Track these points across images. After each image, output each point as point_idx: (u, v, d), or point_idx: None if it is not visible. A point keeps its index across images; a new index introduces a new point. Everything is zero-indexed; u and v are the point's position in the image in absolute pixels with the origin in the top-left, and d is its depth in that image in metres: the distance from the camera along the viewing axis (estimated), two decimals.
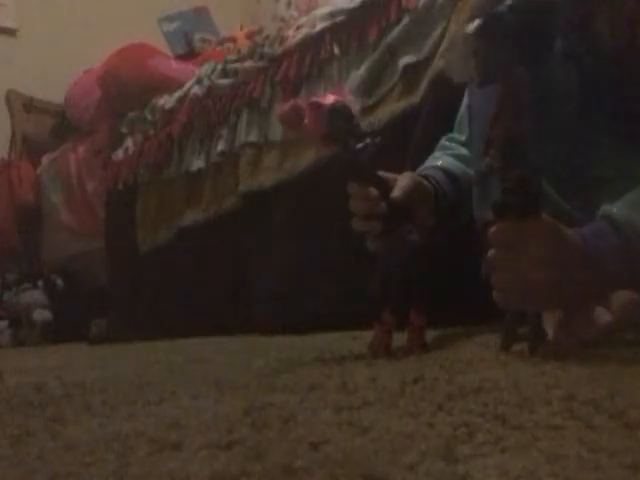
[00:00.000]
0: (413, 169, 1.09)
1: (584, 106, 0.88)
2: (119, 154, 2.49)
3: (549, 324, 0.80)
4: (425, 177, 1.03)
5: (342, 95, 0.87)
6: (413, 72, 1.55)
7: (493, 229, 0.74)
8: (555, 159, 0.90)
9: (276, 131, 1.88)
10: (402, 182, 0.94)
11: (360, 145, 0.87)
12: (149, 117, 2.42)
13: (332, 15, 1.80)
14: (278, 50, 1.94)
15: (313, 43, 1.83)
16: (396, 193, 0.91)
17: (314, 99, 0.87)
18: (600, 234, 0.75)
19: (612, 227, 0.74)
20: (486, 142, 0.78)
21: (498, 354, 0.78)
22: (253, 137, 1.95)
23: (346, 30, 1.76)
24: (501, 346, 0.80)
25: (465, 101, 1.10)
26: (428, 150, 1.20)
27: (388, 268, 0.93)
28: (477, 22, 0.72)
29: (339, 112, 0.85)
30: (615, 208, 0.76)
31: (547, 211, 0.75)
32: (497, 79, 0.75)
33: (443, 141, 1.19)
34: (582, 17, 0.89)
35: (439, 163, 1.10)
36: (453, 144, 1.16)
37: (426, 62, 1.51)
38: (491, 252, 0.75)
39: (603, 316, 0.77)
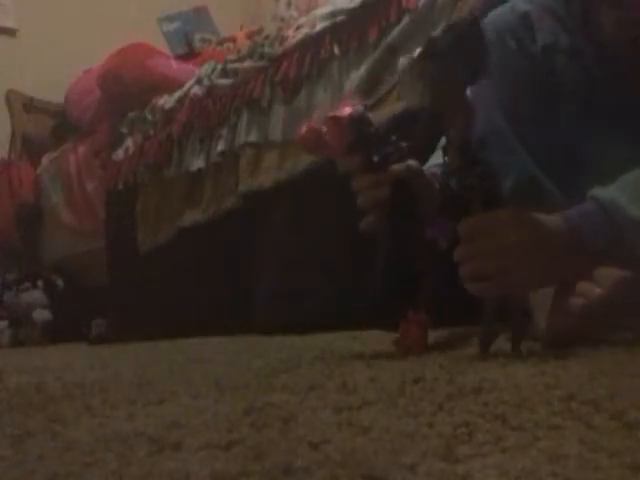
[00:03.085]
0: None
1: (588, 102, 0.88)
2: (119, 154, 2.49)
3: (540, 315, 0.81)
4: (432, 174, 1.02)
5: (353, 104, 0.88)
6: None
7: (460, 224, 0.77)
8: (558, 156, 0.90)
9: (276, 131, 1.88)
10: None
11: (389, 150, 0.88)
12: (149, 117, 2.42)
13: (332, 15, 1.80)
14: (278, 50, 1.94)
15: (313, 43, 1.83)
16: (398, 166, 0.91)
17: (330, 114, 0.88)
18: (585, 214, 0.77)
19: (598, 207, 0.76)
20: (444, 145, 0.82)
21: (482, 353, 0.78)
22: (253, 137, 1.95)
23: (346, 30, 1.76)
24: (480, 346, 0.79)
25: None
26: (429, 150, 1.20)
27: (420, 270, 0.93)
28: (420, 47, 0.77)
29: (359, 120, 0.87)
30: (603, 190, 0.77)
31: (548, 206, 0.77)
32: (443, 96, 0.79)
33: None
34: (587, 15, 0.89)
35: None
36: None
37: None
38: (459, 247, 0.77)
39: (593, 290, 0.78)
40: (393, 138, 0.90)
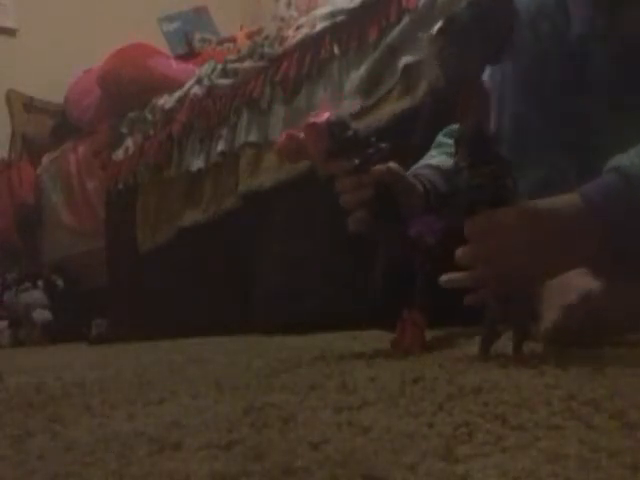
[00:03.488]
0: None
1: (611, 91, 0.86)
2: (119, 154, 2.50)
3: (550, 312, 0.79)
4: (416, 176, 1.01)
5: (330, 109, 0.89)
6: (413, 72, 1.56)
7: (466, 224, 0.73)
8: (574, 146, 0.88)
9: (276, 131, 1.88)
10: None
11: (369, 152, 0.87)
12: (149, 117, 2.42)
13: (332, 15, 1.80)
14: (278, 50, 1.94)
15: (313, 43, 1.83)
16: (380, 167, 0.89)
17: (309, 120, 0.88)
18: (604, 186, 0.72)
19: (619, 177, 0.71)
20: (455, 141, 0.77)
21: (483, 354, 0.77)
22: (253, 137, 1.95)
23: (346, 30, 1.76)
24: (481, 346, 0.78)
25: None
26: (428, 150, 1.20)
27: (410, 269, 0.92)
28: (440, 22, 0.73)
29: (337, 124, 0.87)
30: (622, 158, 0.73)
31: None
32: (460, 77, 0.75)
33: (440, 136, 1.17)
34: (614, 3, 0.87)
35: (434, 162, 1.09)
36: (450, 140, 1.15)
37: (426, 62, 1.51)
38: (465, 248, 0.74)
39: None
40: (372, 139, 0.90)
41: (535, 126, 0.91)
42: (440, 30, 0.72)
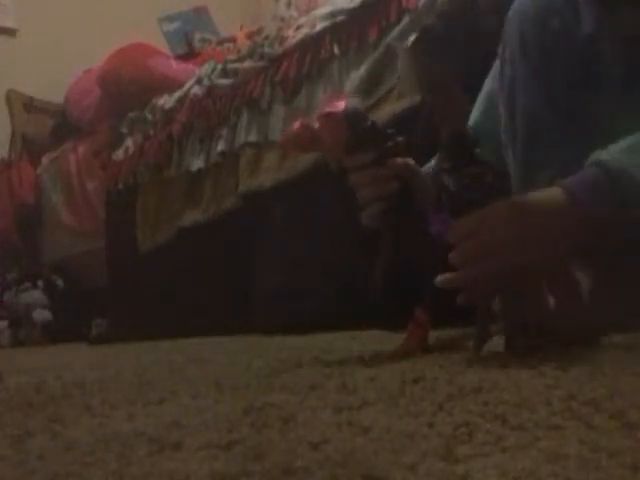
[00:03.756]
0: None
1: (615, 90, 0.86)
2: (119, 154, 2.50)
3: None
4: (426, 175, 1.01)
5: (344, 98, 0.86)
6: None
7: (452, 228, 0.73)
8: (580, 144, 0.88)
9: (276, 131, 1.88)
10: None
11: (388, 144, 0.85)
12: (149, 117, 2.42)
13: (332, 15, 1.80)
14: (278, 50, 1.94)
15: (313, 43, 1.83)
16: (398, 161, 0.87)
17: (325, 110, 0.84)
18: (590, 186, 0.71)
19: (601, 171, 0.71)
20: (438, 145, 0.77)
21: (475, 354, 0.77)
22: (253, 137, 1.95)
23: (346, 30, 1.76)
24: (474, 346, 0.77)
25: (486, 87, 1.05)
26: (429, 151, 1.19)
27: (421, 268, 0.90)
28: (414, 35, 0.74)
29: (354, 114, 0.83)
30: (605, 153, 0.73)
31: None
32: (435, 87, 0.75)
33: None
34: (613, 3, 0.87)
35: None
36: None
37: None
38: (453, 252, 0.73)
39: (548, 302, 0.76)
40: (390, 131, 0.87)
41: (547, 123, 0.91)
42: (414, 41, 0.73)
